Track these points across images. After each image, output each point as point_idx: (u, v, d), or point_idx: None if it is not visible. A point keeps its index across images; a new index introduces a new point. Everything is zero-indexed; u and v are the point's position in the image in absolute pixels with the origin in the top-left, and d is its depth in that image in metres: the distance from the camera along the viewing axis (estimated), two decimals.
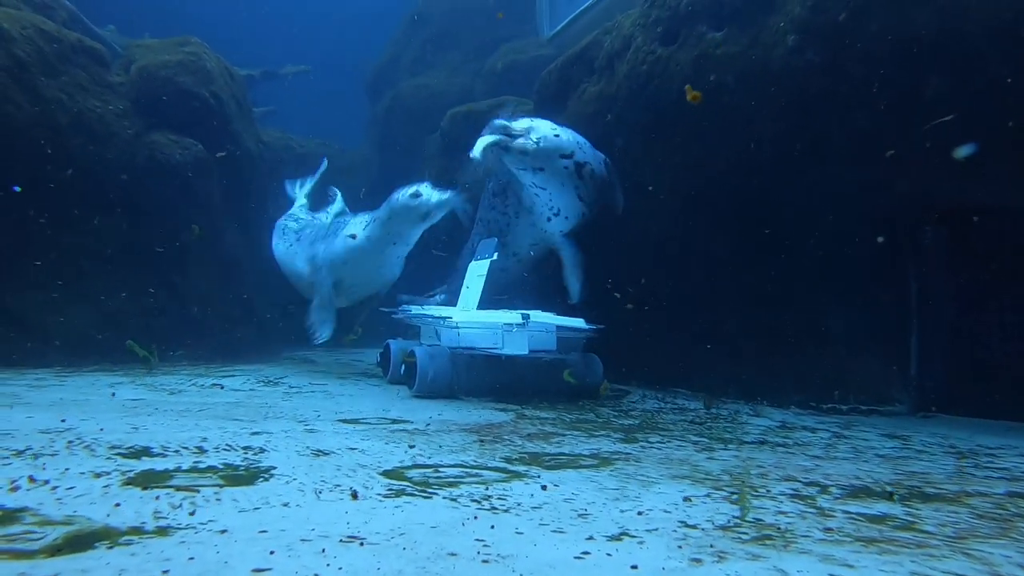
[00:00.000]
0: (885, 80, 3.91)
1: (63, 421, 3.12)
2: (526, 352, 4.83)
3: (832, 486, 2.47)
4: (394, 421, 3.69)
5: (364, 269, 6.28)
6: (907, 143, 3.98)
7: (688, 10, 4.96)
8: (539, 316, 5.04)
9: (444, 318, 4.90)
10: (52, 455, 2.41)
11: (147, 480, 2.13)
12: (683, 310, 5.40)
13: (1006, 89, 3.52)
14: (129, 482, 2.10)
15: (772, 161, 4.58)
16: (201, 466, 2.36)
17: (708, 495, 2.28)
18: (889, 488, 2.43)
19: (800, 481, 2.53)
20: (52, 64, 6.10)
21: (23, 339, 5.57)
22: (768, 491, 2.35)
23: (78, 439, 2.71)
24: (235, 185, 7.70)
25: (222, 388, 4.80)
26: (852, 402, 4.93)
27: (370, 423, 3.60)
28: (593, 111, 6.00)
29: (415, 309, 5.52)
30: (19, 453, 2.42)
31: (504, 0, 10.49)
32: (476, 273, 5.71)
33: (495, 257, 5.56)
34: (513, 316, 4.89)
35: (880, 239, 4.77)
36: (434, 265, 7.12)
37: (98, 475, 2.15)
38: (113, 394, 4.23)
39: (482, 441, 3.15)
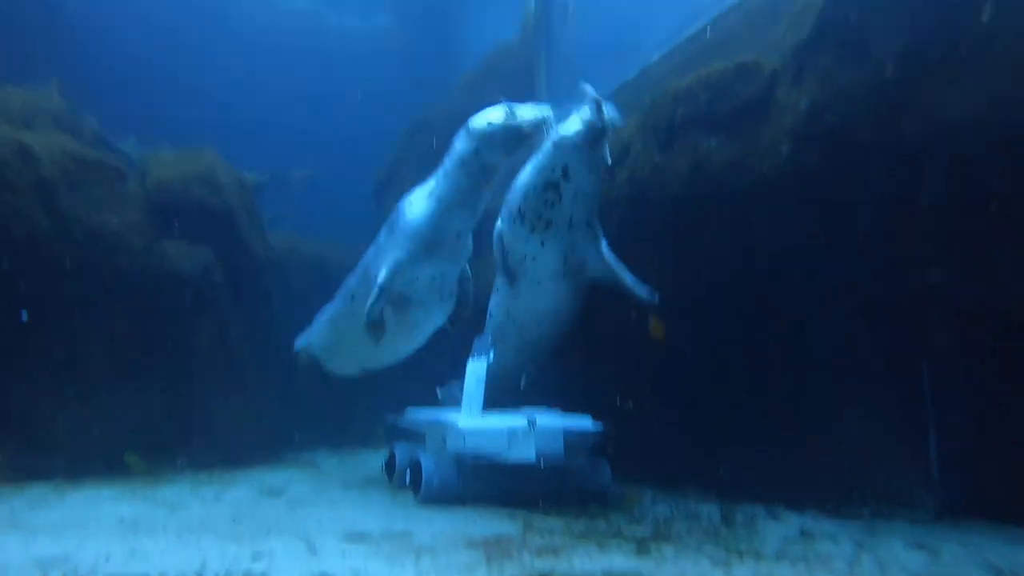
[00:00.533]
0: (880, 184, 4.01)
1: (58, 550, 3.04)
2: (533, 457, 4.74)
3: None
4: (400, 535, 3.58)
5: (442, 252, 5.37)
6: (906, 243, 4.03)
7: (683, 119, 5.15)
8: (545, 418, 4.98)
9: (449, 424, 4.84)
10: None
11: None
12: (694, 410, 5.33)
13: (997, 194, 3.60)
14: None
15: (773, 263, 4.63)
16: None
17: None
18: None
19: None
20: (74, 182, 6.35)
21: (27, 451, 5.53)
22: None
23: (73, 572, 2.63)
24: (243, 290, 7.80)
25: (224, 500, 4.71)
26: (873, 505, 4.77)
27: (374, 538, 3.49)
28: None
29: (419, 416, 5.46)
30: None
31: (506, 100, 10.90)
32: (475, 375, 5.65)
33: (491, 357, 5.53)
34: (519, 420, 4.83)
35: (888, 334, 4.76)
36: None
37: None
38: (118, 517, 4.14)
39: (490, 559, 3.05)
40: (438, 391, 6.02)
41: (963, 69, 3.68)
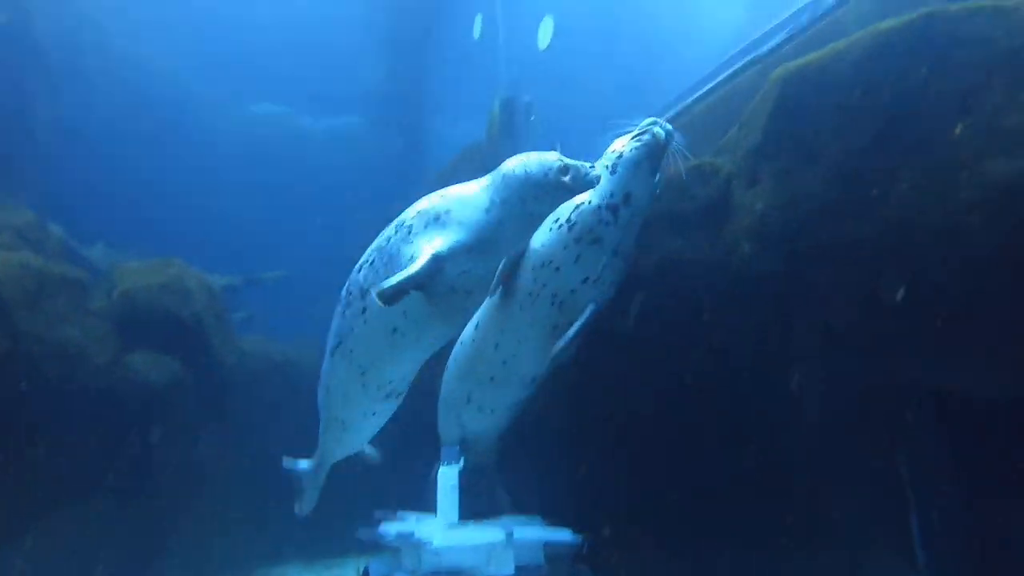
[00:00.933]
0: (842, 282, 4.09)
1: None
2: (512, 572, 4.55)
3: None
4: None
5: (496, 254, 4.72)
6: (874, 337, 4.08)
7: (645, 219, 5.25)
8: (524, 530, 4.82)
9: (424, 541, 4.65)
10: None
11: None
12: (676, 517, 5.20)
13: (949, 293, 3.70)
14: None
15: (746, 362, 4.65)
16: None
17: None
18: None
19: None
20: (34, 300, 6.25)
21: None
22: None
23: None
24: (212, 399, 7.63)
25: None
26: None
27: None
28: None
29: (393, 531, 5.24)
30: None
31: None
32: (448, 484, 5.47)
33: (462, 464, 5.39)
34: (496, 533, 4.67)
35: (866, 425, 4.74)
36: None
37: None
38: None
39: None
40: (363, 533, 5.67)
41: (904, 170, 3.84)
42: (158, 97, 16.91)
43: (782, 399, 4.68)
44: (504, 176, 4.70)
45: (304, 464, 6.16)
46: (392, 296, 4.28)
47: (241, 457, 8.04)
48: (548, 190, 4.48)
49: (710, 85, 6.35)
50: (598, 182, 4.48)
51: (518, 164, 4.67)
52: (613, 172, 4.74)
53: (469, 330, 5.44)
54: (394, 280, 4.30)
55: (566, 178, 4.39)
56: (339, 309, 5.37)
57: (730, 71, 6.31)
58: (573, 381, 5.47)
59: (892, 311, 4.03)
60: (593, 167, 4.56)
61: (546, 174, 4.49)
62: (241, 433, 8.26)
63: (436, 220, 4.72)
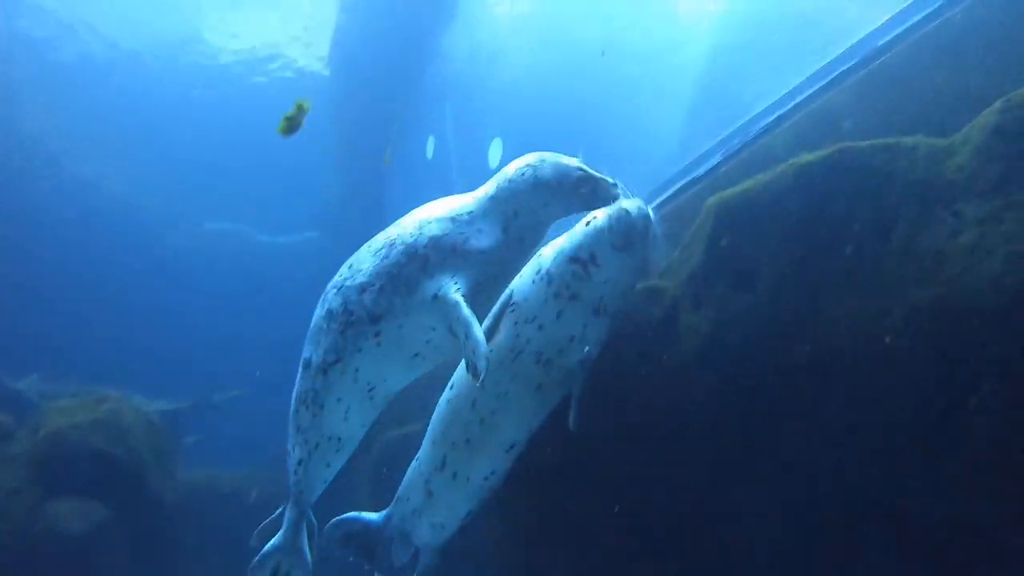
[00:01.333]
0: (786, 405, 4.04)
1: None
2: None
3: None
4: None
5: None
6: (821, 456, 4.02)
7: None
8: None
9: None
10: None
11: None
12: None
13: (889, 416, 3.67)
14: None
15: (701, 487, 4.49)
16: None
17: None
18: None
19: None
20: None
21: None
22: None
23: None
24: (146, 543, 7.12)
25: None
26: None
27: None
28: None
29: None
30: None
31: None
32: None
33: None
34: None
35: (822, 548, 4.57)
36: None
37: None
38: None
39: None
40: None
41: (834, 296, 3.90)
42: (108, 219, 16.85)
43: (734, 520, 4.53)
44: (511, 183, 4.48)
45: (278, 539, 5.34)
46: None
47: None
48: (560, 196, 4.25)
49: (655, 203, 6.52)
50: (617, 199, 4.25)
51: (526, 168, 4.46)
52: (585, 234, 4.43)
53: (445, 393, 4.96)
54: (478, 356, 4.11)
55: (583, 190, 4.14)
56: (326, 325, 4.98)
57: (672, 191, 6.50)
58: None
59: (843, 428, 3.98)
60: (616, 183, 4.37)
61: (561, 181, 4.30)
62: (177, 571, 7.70)
63: (453, 251, 4.48)
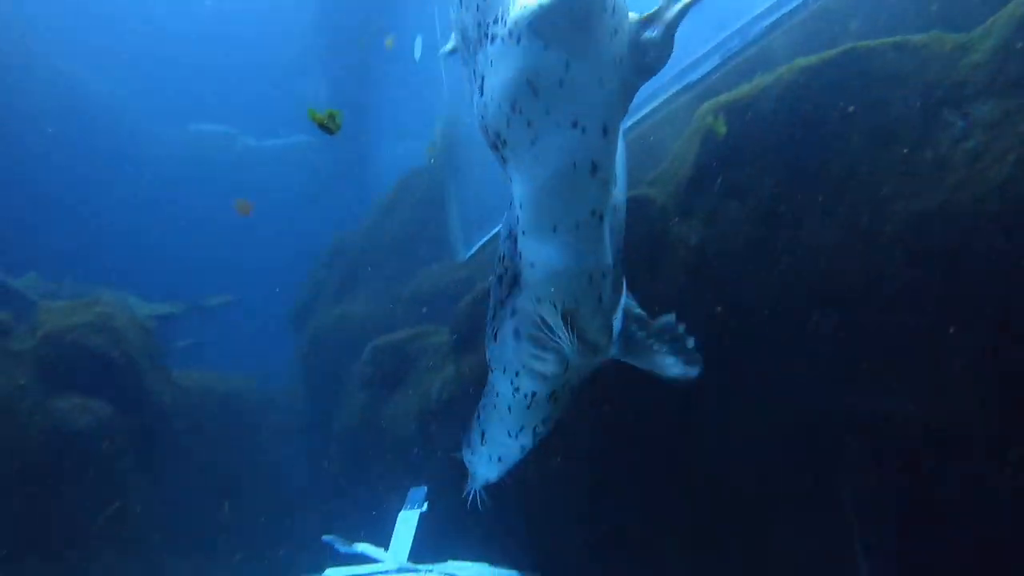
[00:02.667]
0: (774, 315, 4.11)
1: None
2: None
3: None
4: None
5: None
6: (810, 367, 4.12)
7: None
8: (466, 569, 4.73)
9: None
10: None
11: None
12: (619, 543, 5.16)
13: (876, 325, 3.75)
14: None
15: (689, 394, 4.63)
16: None
17: None
18: None
19: None
20: None
21: None
22: None
23: None
24: (146, 441, 7.34)
25: None
26: None
27: None
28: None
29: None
30: None
31: (418, 225, 11.02)
32: (405, 524, 5.40)
33: (424, 508, 5.30)
34: None
35: (807, 459, 4.76)
36: None
37: None
38: None
39: None
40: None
41: (828, 205, 3.88)
42: (93, 118, 16.43)
43: (724, 432, 4.68)
44: None
45: None
46: None
47: (180, 501, 7.76)
48: None
49: (644, 112, 6.35)
50: None
51: None
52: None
53: None
54: None
55: None
56: None
57: (665, 97, 6.33)
58: None
59: (826, 341, 4.06)
60: None
61: None
62: (180, 474, 7.98)
63: None
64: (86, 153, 16.31)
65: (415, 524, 5.36)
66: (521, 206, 3.08)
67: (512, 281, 3.43)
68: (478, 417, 4.14)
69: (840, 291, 3.92)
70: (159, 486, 7.41)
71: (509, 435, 3.96)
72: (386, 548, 5.23)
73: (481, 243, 9.57)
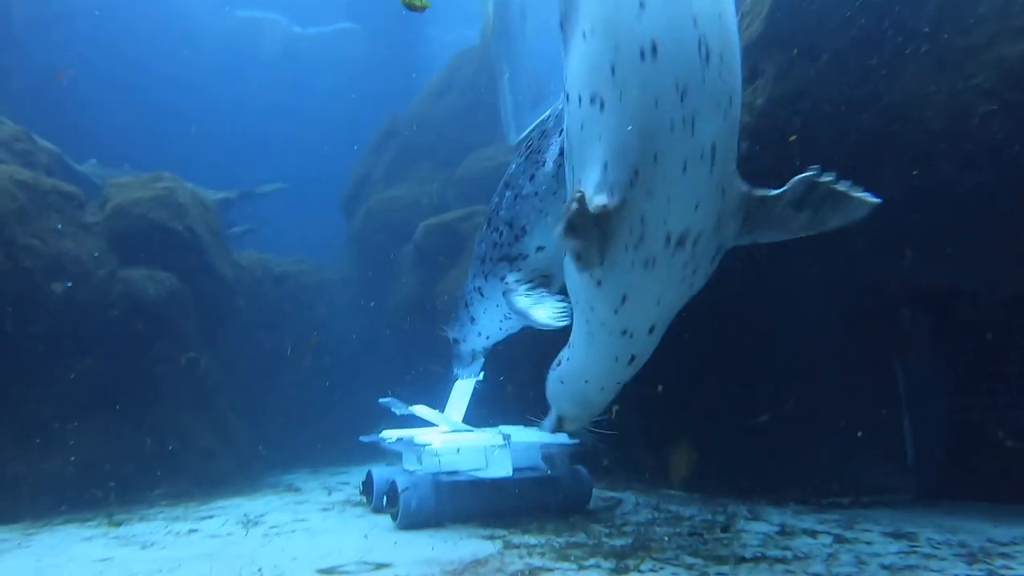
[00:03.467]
0: (842, 176, 3.98)
1: None
2: (510, 473, 4.69)
3: None
4: (375, 567, 3.51)
5: None
6: (867, 236, 4.03)
7: None
8: (520, 433, 4.93)
9: (424, 444, 4.76)
10: None
11: None
12: (672, 412, 5.30)
13: (954, 183, 3.60)
14: None
15: (741, 260, 4.60)
16: None
17: None
18: None
19: None
20: (27, 213, 6.17)
21: None
22: None
23: None
24: (210, 313, 7.67)
25: (198, 532, 4.61)
26: (852, 494, 4.79)
27: (348, 572, 3.42)
28: None
29: (394, 436, 5.37)
30: None
31: (469, 108, 10.86)
32: (461, 391, 5.62)
33: (481, 376, 5.48)
34: (494, 436, 4.78)
35: (861, 328, 4.77)
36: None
37: None
38: (90, 560, 4.03)
39: None
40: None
41: (911, 58, 3.68)
42: (144, 1, 16.30)
43: (782, 303, 4.69)
44: None
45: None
46: None
47: (241, 371, 8.20)
48: None
49: None
50: None
51: None
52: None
53: None
54: None
55: None
56: None
57: None
58: None
59: (893, 208, 3.95)
60: None
61: None
62: (241, 346, 8.38)
63: None
64: (137, 39, 16.29)
65: (470, 391, 5.57)
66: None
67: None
68: (467, 304, 4.70)
69: (921, 144, 3.77)
70: (221, 355, 7.82)
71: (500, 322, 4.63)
72: (441, 412, 5.48)
73: (532, 126, 9.44)
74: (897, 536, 3.68)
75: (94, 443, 6.06)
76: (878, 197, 3.93)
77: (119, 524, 5.04)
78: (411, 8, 4.48)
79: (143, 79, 16.01)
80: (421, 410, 5.36)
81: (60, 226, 6.51)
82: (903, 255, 4.14)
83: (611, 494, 5.50)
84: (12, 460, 5.59)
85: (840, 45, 3.91)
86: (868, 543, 3.55)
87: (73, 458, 5.88)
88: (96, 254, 6.57)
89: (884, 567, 3.08)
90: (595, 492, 5.10)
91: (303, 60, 18.33)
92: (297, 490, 6.89)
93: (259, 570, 3.50)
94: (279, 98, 18.02)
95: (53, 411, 5.92)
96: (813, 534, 3.83)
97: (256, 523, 4.99)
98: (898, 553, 3.33)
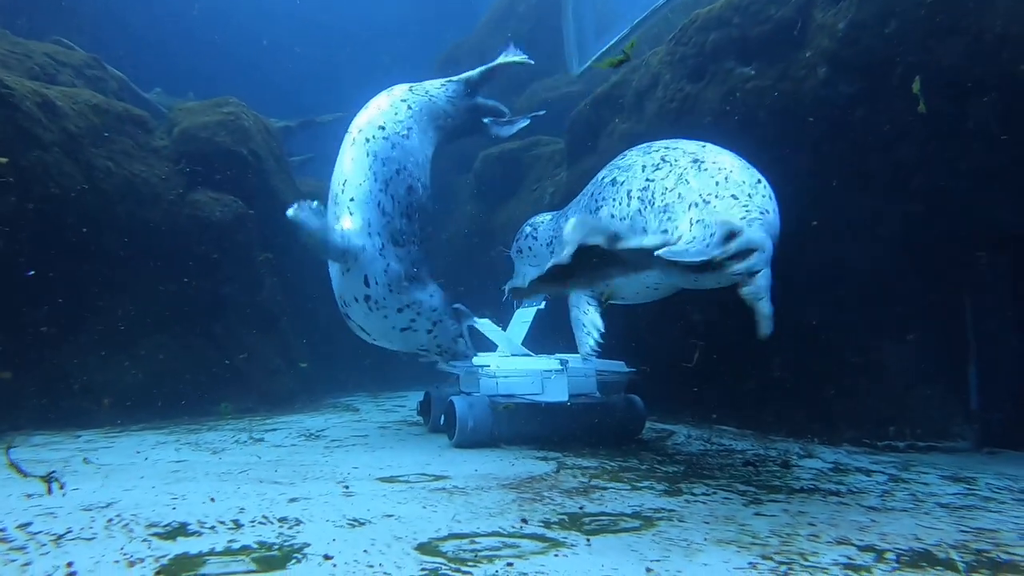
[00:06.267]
0: (927, 113, 3.78)
1: (105, 496, 3.17)
2: (566, 398, 4.76)
3: (889, 550, 2.33)
4: (433, 478, 3.65)
5: None
6: (952, 173, 3.84)
7: (713, 46, 4.91)
8: (578, 361, 4.98)
9: (482, 366, 4.86)
10: (90, 539, 2.43)
11: (180, 567, 2.12)
12: (727, 345, 5.26)
13: None
14: (161, 571, 2.09)
15: (810, 195, 4.46)
16: (235, 546, 2.35)
17: (753, 566, 2.17)
18: (954, 555, 2.28)
19: (855, 545, 2.40)
20: (100, 134, 6.37)
21: (73, 400, 5.73)
22: (818, 561, 2.23)
23: (118, 517, 2.73)
24: (273, 237, 7.85)
25: (263, 443, 4.85)
26: (909, 438, 4.71)
27: (409, 481, 3.56)
28: (624, 149, 5.97)
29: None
30: (58, 538, 2.45)
31: (530, 36, 10.60)
32: (521, 319, 5.69)
33: (543, 306, 5.53)
34: (551, 362, 4.84)
35: (929, 265, 4.59)
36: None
37: (132, 563, 2.16)
38: (163, 463, 4.29)
39: (521, 501, 3.08)
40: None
41: None
42: None
43: (845, 235, 4.54)
44: None
45: None
46: None
47: (305, 296, 8.42)
48: None
49: None
50: None
51: None
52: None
53: None
54: None
55: None
56: None
57: None
58: None
59: (975, 145, 3.75)
60: None
61: None
62: (303, 272, 8.58)
63: None
64: None
65: (531, 318, 5.63)
66: None
67: None
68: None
69: (1007, 82, 3.55)
70: (285, 279, 8.04)
71: None
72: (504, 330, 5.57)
73: (595, 56, 9.21)
74: (955, 479, 3.62)
75: (167, 356, 6.38)
76: (960, 134, 3.72)
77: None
78: (611, 66, 4.52)
79: (207, 14, 16.08)
80: (485, 325, 5.44)
81: (131, 149, 6.70)
82: (983, 200, 3.94)
83: (663, 426, 5.56)
84: (95, 370, 5.93)
85: None
86: (924, 484, 3.51)
87: (148, 369, 6.21)
88: (164, 177, 6.76)
89: (941, 506, 3.05)
90: (647, 423, 5.15)
91: None
92: (356, 410, 7.15)
93: (322, 475, 3.68)
94: (338, 27, 17.92)
95: (131, 325, 6.23)
96: (867, 472, 3.80)
97: (317, 436, 5.22)
98: (955, 494, 3.28)
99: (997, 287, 4.71)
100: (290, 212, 4.52)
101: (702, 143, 3.60)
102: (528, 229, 5.47)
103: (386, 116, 5.19)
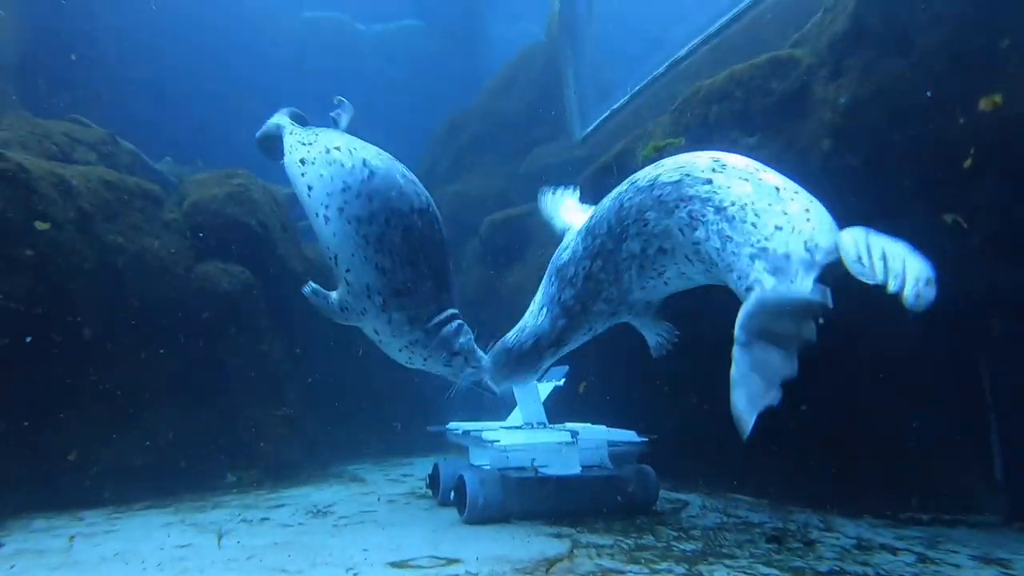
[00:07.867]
0: (928, 181, 3.83)
1: None
2: (578, 470, 4.68)
3: None
4: (446, 561, 3.55)
5: None
6: (959, 241, 3.85)
7: (718, 117, 5.00)
8: (588, 431, 4.92)
9: (492, 440, 4.79)
10: None
11: None
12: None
13: None
14: None
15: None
16: None
17: None
18: None
19: None
20: (113, 210, 6.46)
21: (76, 479, 5.64)
22: None
23: None
24: (281, 304, 7.88)
25: (270, 521, 4.75)
26: (933, 510, 4.59)
27: (422, 567, 3.47)
28: None
29: (462, 429, 5.42)
30: None
31: (533, 103, 10.85)
32: (536, 391, 5.62)
33: (562, 383, 5.49)
34: (562, 435, 4.78)
35: (947, 335, 4.55)
36: None
37: None
38: (167, 547, 4.20)
39: None
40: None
41: (1013, 60, 3.48)
42: (213, 4, 16.81)
43: (862, 306, 4.52)
44: None
45: None
46: None
47: (311, 362, 8.39)
48: None
49: None
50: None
51: None
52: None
53: None
54: None
55: None
56: None
57: None
58: None
59: (984, 215, 3.77)
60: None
61: None
62: (309, 337, 8.58)
63: None
64: (205, 41, 16.79)
65: (547, 392, 5.58)
66: None
67: None
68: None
69: (1011, 160, 3.59)
70: (290, 346, 8.03)
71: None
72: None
73: (598, 121, 9.39)
74: (987, 560, 3.48)
75: (172, 431, 6.30)
76: (967, 203, 3.74)
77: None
78: (657, 149, 4.73)
79: (212, 77, 16.47)
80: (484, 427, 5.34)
81: (142, 223, 6.78)
82: (993, 270, 3.94)
83: (676, 495, 5.44)
84: (101, 447, 5.86)
85: (932, 44, 3.74)
86: (955, 565, 3.39)
87: (150, 443, 6.14)
88: (173, 250, 6.82)
89: None
90: (660, 492, 5.05)
91: (368, 56, 18.65)
92: (363, 480, 7.03)
93: (331, 559, 3.58)
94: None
95: (136, 401, 6.18)
96: (893, 551, 3.68)
97: (325, 514, 5.11)
98: None
99: (1012, 354, 4.66)
100: (306, 290, 5.03)
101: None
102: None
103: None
